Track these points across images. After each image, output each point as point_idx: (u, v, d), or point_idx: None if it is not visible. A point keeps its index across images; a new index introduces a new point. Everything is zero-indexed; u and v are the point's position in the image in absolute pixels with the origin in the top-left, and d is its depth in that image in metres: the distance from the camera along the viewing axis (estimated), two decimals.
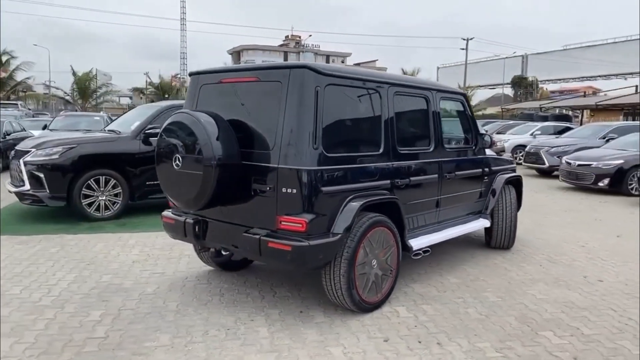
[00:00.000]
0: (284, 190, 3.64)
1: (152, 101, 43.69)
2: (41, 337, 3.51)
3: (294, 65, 3.72)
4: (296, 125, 3.62)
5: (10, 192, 7.47)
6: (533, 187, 11.86)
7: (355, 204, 3.80)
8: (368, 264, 3.96)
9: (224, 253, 4.73)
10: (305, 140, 3.60)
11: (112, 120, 15.19)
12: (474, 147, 5.47)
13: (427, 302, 4.29)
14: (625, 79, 55.21)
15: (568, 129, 19.18)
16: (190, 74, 4.50)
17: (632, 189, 10.91)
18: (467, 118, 5.47)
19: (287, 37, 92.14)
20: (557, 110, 36.20)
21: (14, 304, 4.10)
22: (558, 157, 13.67)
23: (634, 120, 25.01)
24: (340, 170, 3.81)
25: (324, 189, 3.67)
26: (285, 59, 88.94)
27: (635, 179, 10.86)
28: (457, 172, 5.10)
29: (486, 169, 5.64)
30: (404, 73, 44.46)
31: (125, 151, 7.42)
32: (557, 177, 13.17)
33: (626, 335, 3.70)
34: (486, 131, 12.34)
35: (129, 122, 8.17)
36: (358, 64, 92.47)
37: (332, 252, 3.69)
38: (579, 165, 11.53)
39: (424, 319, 3.94)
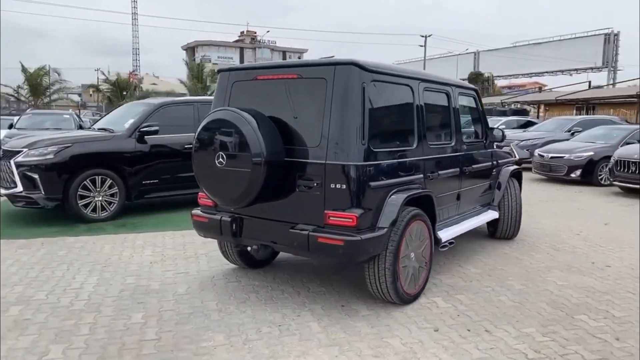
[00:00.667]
0: (332, 186, 3.67)
1: (109, 99, 42.34)
2: (92, 342, 3.41)
3: (340, 61, 3.75)
4: (344, 121, 3.65)
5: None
6: None
7: (400, 199, 3.88)
8: (408, 257, 4.05)
9: (250, 250, 4.73)
10: (353, 136, 3.65)
11: (80, 119, 14.71)
12: (485, 141, 5.66)
13: (459, 292, 4.42)
14: (571, 74, 57.99)
15: (530, 122, 19.94)
16: (220, 71, 4.45)
17: (601, 179, 11.50)
18: (479, 113, 5.66)
19: (242, 32, 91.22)
20: (505, 106, 37.56)
21: (45, 310, 3.96)
22: (527, 150, 14.23)
23: (587, 114, 26.30)
24: (384, 165, 3.88)
25: (372, 183, 3.73)
26: (242, 54, 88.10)
27: (605, 170, 11.44)
28: (473, 166, 5.27)
29: (494, 162, 5.85)
30: None
31: (121, 150, 7.24)
32: (526, 169, 13.68)
33: None
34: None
35: (120, 120, 7.95)
36: None
37: (380, 245, 3.75)
38: (552, 157, 12.04)
39: (463, 309, 4.07)
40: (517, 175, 6.33)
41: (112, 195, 7.14)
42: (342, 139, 3.65)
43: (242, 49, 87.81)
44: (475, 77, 53.26)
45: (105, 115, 9.38)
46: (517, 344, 3.45)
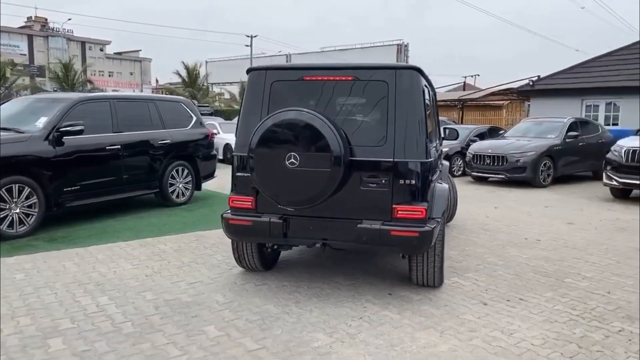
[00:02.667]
0: (400, 181, 3.93)
1: None
2: None
3: (402, 66, 4.04)
4: (410, 121, 3.95)
5: None
6: None
7: (445, 191, 4.32)
8: None
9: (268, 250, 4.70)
10: (418, 134, 3.97)
11: None
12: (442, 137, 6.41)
13: (464, 272, 5.02)
14: None
15: None
16: (251, 70, 4.31)
17: (454, 170, 13.48)
18: (437, 111, 6.37)
19: (29, 18, 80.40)
20: None
21: (93, 337, 3.44)
22: None
23: None
24: (434, 161, 4.29)
25: (432, 177, 4.10)
26: (30, 42, 78.01)
27: (457, 163, 13.43)
28: (442, 161, 5.96)
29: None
30: (186, 67, 43.62)
31: (39, 153, 6.24)
32: None
33: (606, 275, 5.04)
34: None
35: (20, 117, 6.80)
36: (120, 53, 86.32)
37: (438, 234, 4.14)
38: None
39: (483, 285, 4.67)
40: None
41: (29, 206, 6.12)
42: (410, 137, 3.94)
43: (30, 37, 77.44)
44: None
45: None
46: (554, 306, 4.17)
